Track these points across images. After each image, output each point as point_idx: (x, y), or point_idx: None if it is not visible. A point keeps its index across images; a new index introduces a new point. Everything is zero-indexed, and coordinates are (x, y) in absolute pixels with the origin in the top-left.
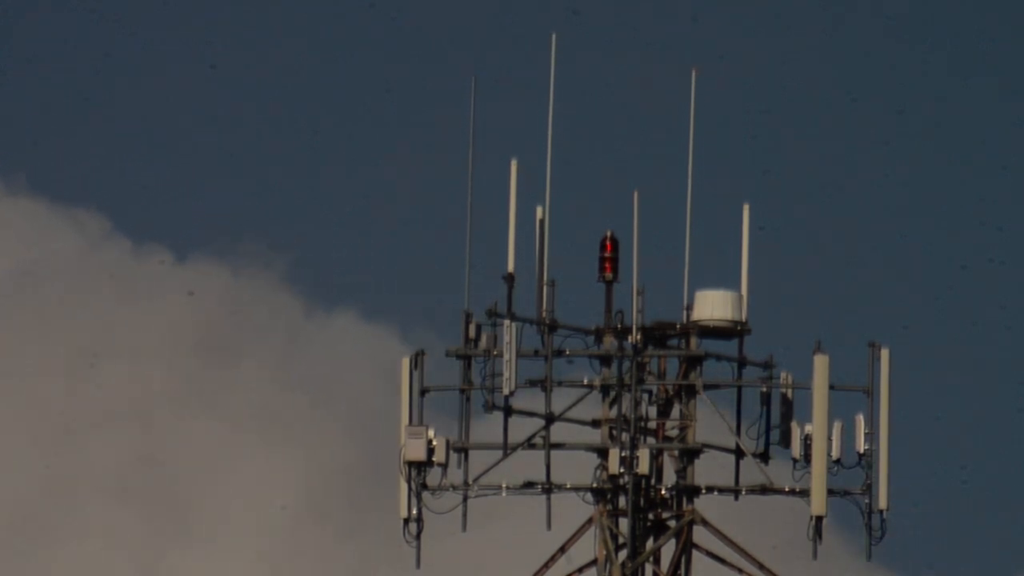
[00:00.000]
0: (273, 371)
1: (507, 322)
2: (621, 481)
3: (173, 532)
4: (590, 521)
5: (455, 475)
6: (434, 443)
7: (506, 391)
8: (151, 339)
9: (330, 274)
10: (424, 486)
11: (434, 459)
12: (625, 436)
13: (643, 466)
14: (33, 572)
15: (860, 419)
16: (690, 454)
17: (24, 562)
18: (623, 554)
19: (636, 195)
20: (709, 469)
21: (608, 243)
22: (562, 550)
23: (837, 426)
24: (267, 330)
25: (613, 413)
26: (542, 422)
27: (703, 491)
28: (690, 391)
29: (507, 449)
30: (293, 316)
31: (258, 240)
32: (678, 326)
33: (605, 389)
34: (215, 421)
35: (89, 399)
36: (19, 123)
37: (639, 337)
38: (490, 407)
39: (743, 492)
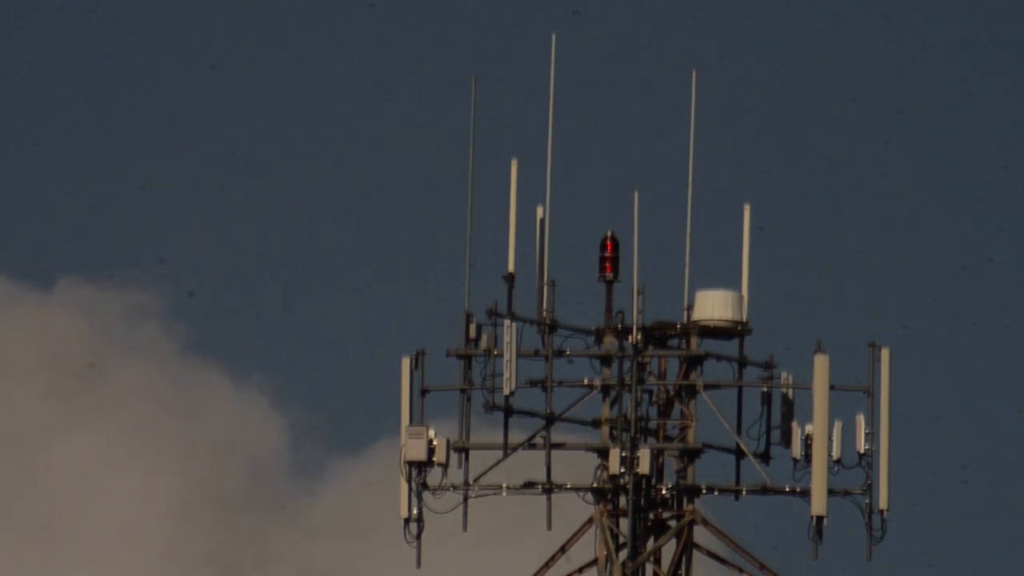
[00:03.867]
0: (146, 391)
1: (507, 322)
2: (621, 481)
3: (42, 554)
4: (590, 521)
5: (455, 475)
6: (434, 443)
7: (506, 391)
8: (20, 359)
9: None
10: (424, 486)
11: (434, 459)
12: (626, 436)
13: (643, 466)
14: None
15: (860, 419)
16: (690, 454)
17: None
18: (623, 554)
19: (636, 195)
20: (709, 469)
21: (608, 243)
22: (562, 550)
23: (837, 426)
24: (140, 350)
25: (613, 413)
26: (542, 422)
27: (703, 491)
28: (690, 391)
29: (507, 449)
30: (168, 340)
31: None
32: (678, 326)
33: (605, 389)
34: (85, 442)
35: None
36: None
37: (639, 337)
38: (490, 407)
39: (743, 492)
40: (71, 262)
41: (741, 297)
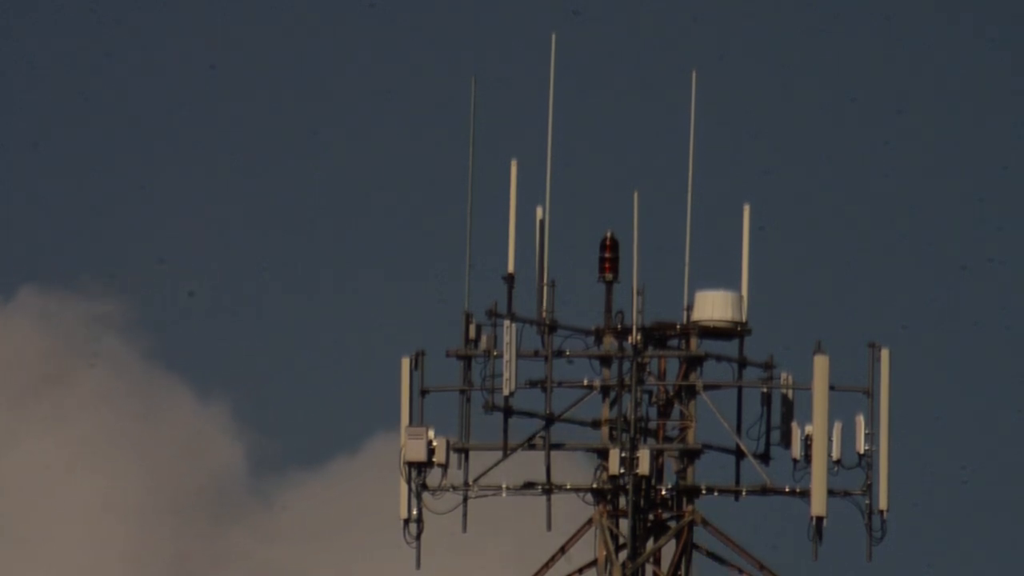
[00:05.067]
0: (105, 399)
1: (507, 322)
2: (621, 482)
3: (2, 559)
4: (590, 522)
5: (455, 476)
6: (434, 444)
7: (506, 391)
8: None
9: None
10: (424, 487)
11: (434, 460)
12: (625, 437)
13: (643, 467)
14: None
15: (860, 419)
16: (690, 455)
17: None
18: (623, 554)
19: (636, 195)
20: (709, 470)
21: (608, 243)
22: (562, 550)
23: (837, 426)
24: (99, 357)
25: (613, 414)
26: (542, 422)
27: (703, 491)
28: (690, 391)
29: (507, 449)
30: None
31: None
32: (678, 326)
33: (605, 390)
34: (46, 448)
35: None
36: None
37: (639, 337)
38: (490, 407)
39: (743, 492)
40: (31, 270)
41: (741, 297)
